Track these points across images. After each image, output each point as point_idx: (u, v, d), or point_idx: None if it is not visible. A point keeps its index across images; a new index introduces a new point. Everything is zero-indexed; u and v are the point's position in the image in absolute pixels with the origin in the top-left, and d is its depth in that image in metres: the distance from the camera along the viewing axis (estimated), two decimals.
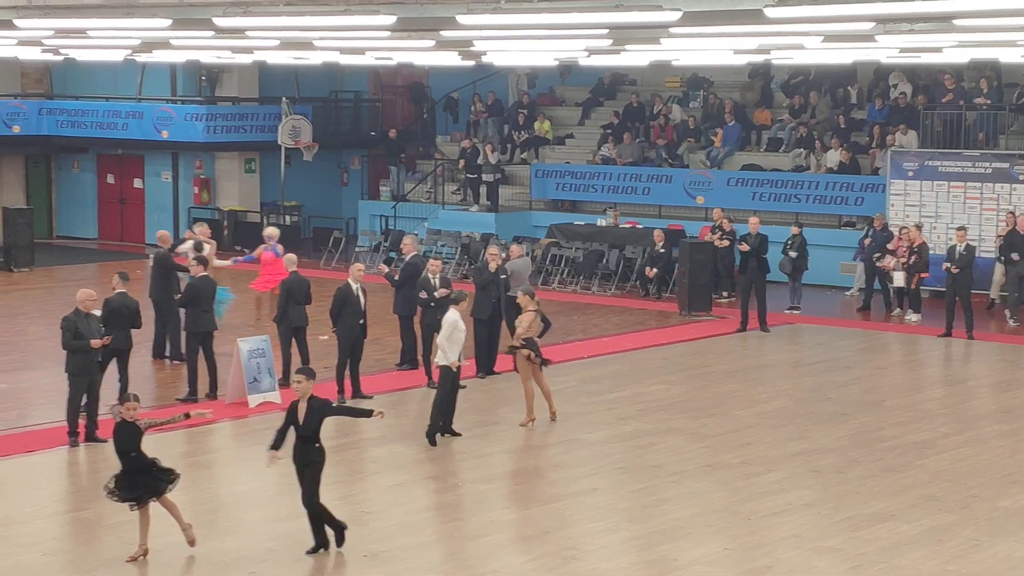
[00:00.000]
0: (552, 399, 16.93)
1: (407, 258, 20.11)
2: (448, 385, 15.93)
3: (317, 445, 11.99)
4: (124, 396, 12.16)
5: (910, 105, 29.47)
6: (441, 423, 16.00)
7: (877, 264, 25.28)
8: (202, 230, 21.82)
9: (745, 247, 24.02)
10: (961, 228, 24.04)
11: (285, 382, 18.40)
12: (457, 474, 14.89)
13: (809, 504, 13.76)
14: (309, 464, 12.00)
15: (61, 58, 29.83)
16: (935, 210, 26.80)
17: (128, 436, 11.79)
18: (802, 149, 30.09)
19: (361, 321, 17.79)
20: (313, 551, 12.02)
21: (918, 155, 27.30)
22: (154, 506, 11.88)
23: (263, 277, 22.79)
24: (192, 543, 11.94)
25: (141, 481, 11.77)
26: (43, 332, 20.33)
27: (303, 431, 11.97)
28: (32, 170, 36.83)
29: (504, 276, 19.97)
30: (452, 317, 16.00)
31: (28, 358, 19.52)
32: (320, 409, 12.00)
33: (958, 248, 23.17)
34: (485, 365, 19.42)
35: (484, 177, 32.12)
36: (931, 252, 24.60)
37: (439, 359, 15.96)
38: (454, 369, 15.79)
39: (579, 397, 18.51)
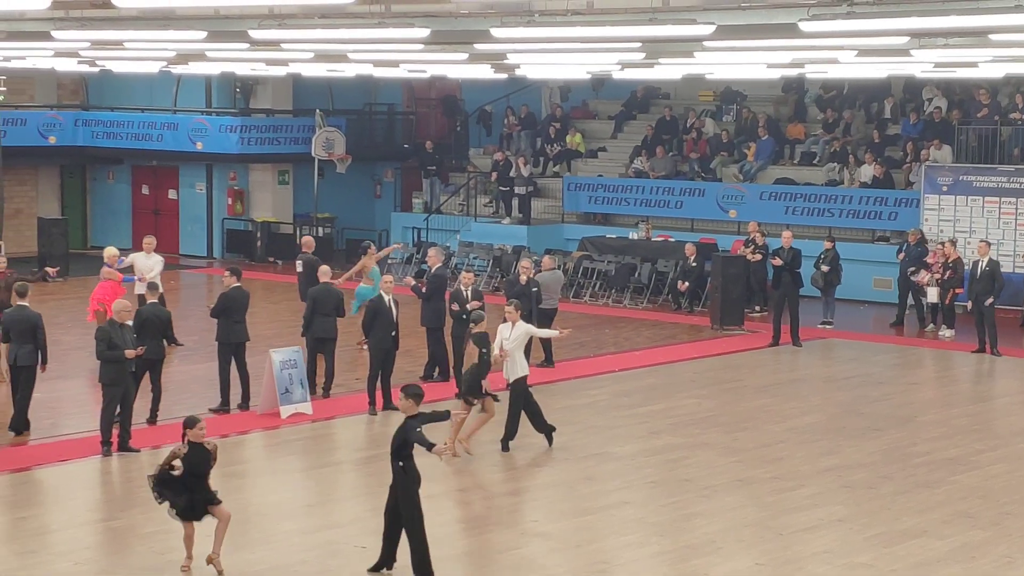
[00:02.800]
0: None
1: (433, 270, 20.18)
2: (524, 395, 16.00)
3: (400, 464, 11.61)
4: (191, 418, 11.87)
5: (945, 120, 29.35)
6: (541, 431, 16.19)
7: (912, 279, 25.16)
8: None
9: (778, 261, 23.94)
10: (983, 241, 23.90)
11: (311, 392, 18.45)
12: (487, 486, 14.89)
13: (841, 520, 13.70)
14: (398, 488, 11.66)
15: (97, 69, 30.04)
16: (969, 225, 26.65)
17: (201, 458, 11.67)
18: (836, 163, 29.99)
19: (393, 333, 17.82)
20: (375, 569, 11.91)
21: (952, 170, 27.17)
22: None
23: (108, 299, 19.13)
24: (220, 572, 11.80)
25: (194, 501, 11.68)
26: (77, 342, 20.45)
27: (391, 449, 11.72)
28: (67, 181, 37.08)
29: (535, 289, 19.98)
30: (526, 328, 16.26)
31: (62, 368, 19.60)
32: (400, 430, 11.61)
33: (980, 263, 23.05)
34: None
35: (516, 190, 32.14)
36: (965, 268, 24.47)
37: (509, 373, 16.01)
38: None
39: (610, 411, 18.49)
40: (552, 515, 13.97)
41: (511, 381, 16.02)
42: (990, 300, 22.74)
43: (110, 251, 21.39)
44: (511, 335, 16.09)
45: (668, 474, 15.35)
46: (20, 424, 16.48)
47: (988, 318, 22.78)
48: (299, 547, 12.61)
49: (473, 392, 15.74)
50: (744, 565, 12.30)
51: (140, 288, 19.77)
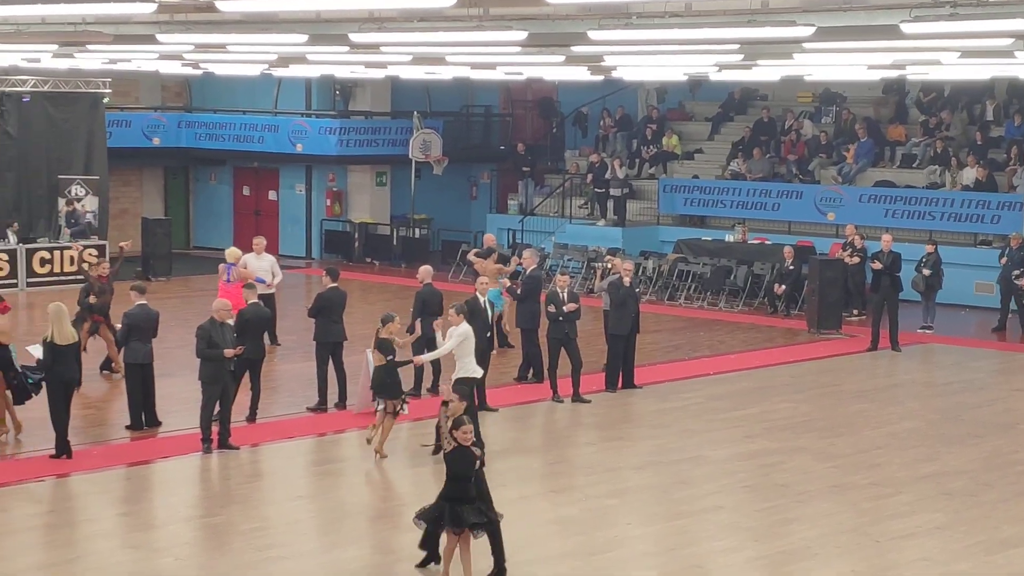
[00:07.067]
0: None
1: (528, 271, 20.23)
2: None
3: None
4: (459, 420, 11.72)
5: None
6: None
7: (1016, 282, 24.75)
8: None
9: (878, 265, 23.68)
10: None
11: (415, 391, 18.57)
12: (582, 488, 14.90)
13: (939, 527, 13.53)
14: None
15: (200, 72, 30.51)
16: None
17: (465, 461, 11.56)
18: (937, 166, 29.59)
19: (488, 334, 17.89)
20: (422, 565, 12.04)
21: None
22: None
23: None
24: None
25: (464, 511, 11.53)
26: (179, 340, 20.76)
27: None
28: (171, 181, 37.73)
29: (637, 289, 19.88)
30: (465, 330, 15.99)
31: (165, 365, 19.92)
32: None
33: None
34: (619, 380, 19.37)
35: (612, 192, 32.13)
36: None
37: (464, 372, 15.84)
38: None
39: (705, 414, 18.41)
40: (646, 518, 13.95)
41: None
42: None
43: (234, 252, 21.59)
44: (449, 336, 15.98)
45: (763, 479, 15.26)
46: (152, 420, 16.98)
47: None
48: (393, 546, 12.70)
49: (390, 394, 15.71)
50: (841, 572, 12.20)
51: (257, 289, 20.01)
